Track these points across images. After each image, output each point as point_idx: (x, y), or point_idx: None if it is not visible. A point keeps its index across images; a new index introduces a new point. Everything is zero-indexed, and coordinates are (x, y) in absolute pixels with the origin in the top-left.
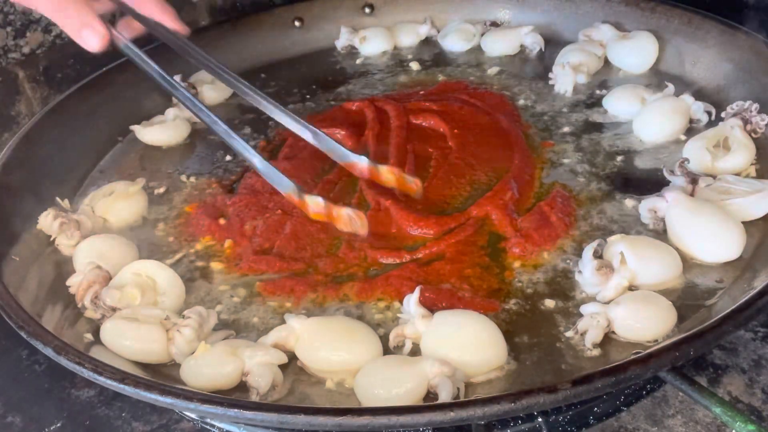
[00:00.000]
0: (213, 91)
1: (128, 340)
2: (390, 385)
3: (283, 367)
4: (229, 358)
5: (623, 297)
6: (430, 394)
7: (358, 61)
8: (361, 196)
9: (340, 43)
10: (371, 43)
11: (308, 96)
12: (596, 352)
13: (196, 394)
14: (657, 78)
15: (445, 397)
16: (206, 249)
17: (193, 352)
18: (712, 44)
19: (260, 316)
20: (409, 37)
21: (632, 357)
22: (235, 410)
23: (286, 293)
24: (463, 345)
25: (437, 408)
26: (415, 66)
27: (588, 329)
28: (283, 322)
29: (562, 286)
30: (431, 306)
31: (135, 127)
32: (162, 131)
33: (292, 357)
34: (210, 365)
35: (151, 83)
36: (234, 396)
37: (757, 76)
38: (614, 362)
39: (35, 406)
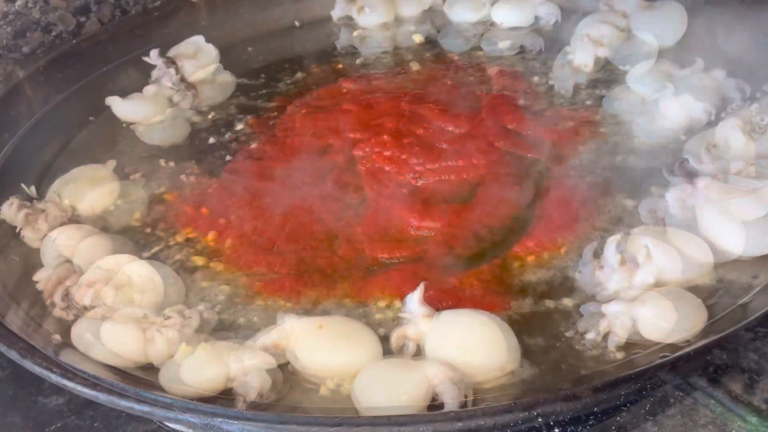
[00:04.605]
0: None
1: (102, 342)
2: (390, 390)
3: (274, 372)
4: (213, 362)
5: (648, 295)
6: (435, 400)
7: (356, 38)
8: (362, 192)
9: (336, 14)
10: (370, 13)
11: (300, 72)
12: (619, 355)
13: (175, 402)
14: (684, 52)
15: (450, 403)
16: (187, 241)
17: (173, 356)
18: (747, 15)
19: (260, 316)
20: (411, 6)
21: (659, 361)
22: (219, 419)
23: (285, 293)
24: (470, 347)
25: (441, 417)
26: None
27: (610, 330)
28: (282, 322)
29: (569, 286)
30: (435, 305)
31: (110, 99)
32: (139, 105)
33: (286, 361)
34: (192, 370)
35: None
36: (219, 403)
37: None
38: (639, 367)
39: None
